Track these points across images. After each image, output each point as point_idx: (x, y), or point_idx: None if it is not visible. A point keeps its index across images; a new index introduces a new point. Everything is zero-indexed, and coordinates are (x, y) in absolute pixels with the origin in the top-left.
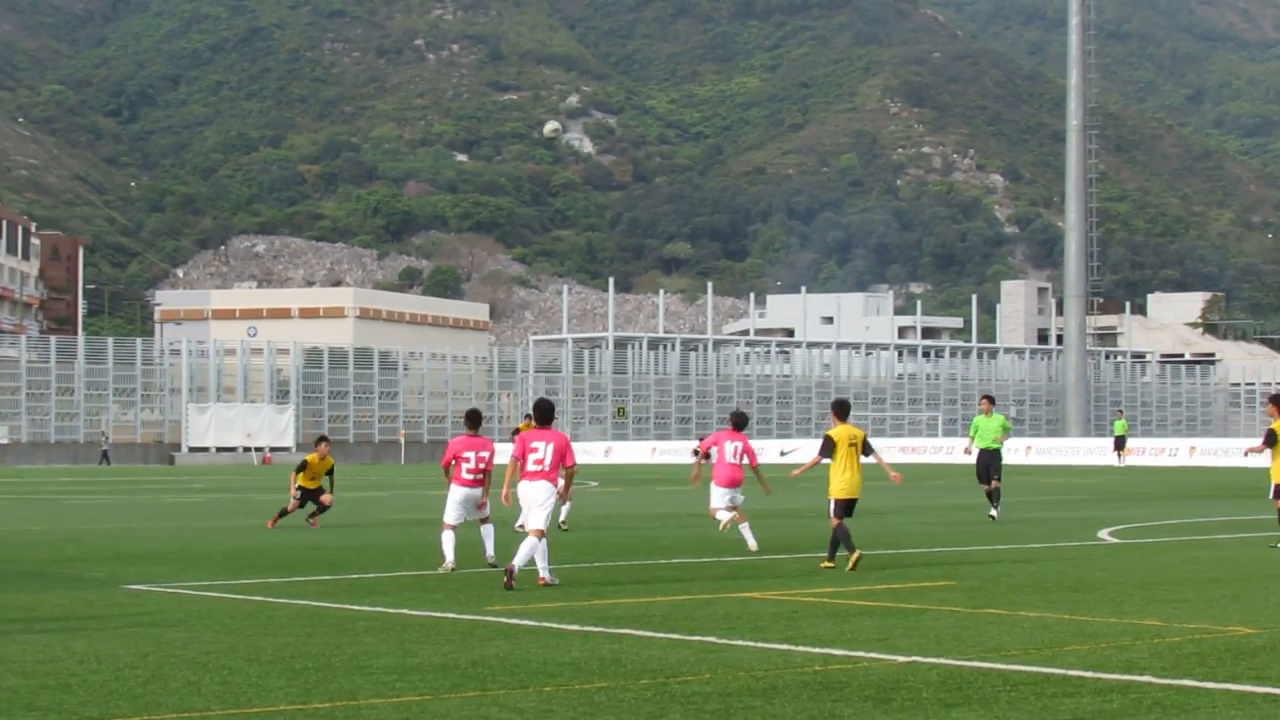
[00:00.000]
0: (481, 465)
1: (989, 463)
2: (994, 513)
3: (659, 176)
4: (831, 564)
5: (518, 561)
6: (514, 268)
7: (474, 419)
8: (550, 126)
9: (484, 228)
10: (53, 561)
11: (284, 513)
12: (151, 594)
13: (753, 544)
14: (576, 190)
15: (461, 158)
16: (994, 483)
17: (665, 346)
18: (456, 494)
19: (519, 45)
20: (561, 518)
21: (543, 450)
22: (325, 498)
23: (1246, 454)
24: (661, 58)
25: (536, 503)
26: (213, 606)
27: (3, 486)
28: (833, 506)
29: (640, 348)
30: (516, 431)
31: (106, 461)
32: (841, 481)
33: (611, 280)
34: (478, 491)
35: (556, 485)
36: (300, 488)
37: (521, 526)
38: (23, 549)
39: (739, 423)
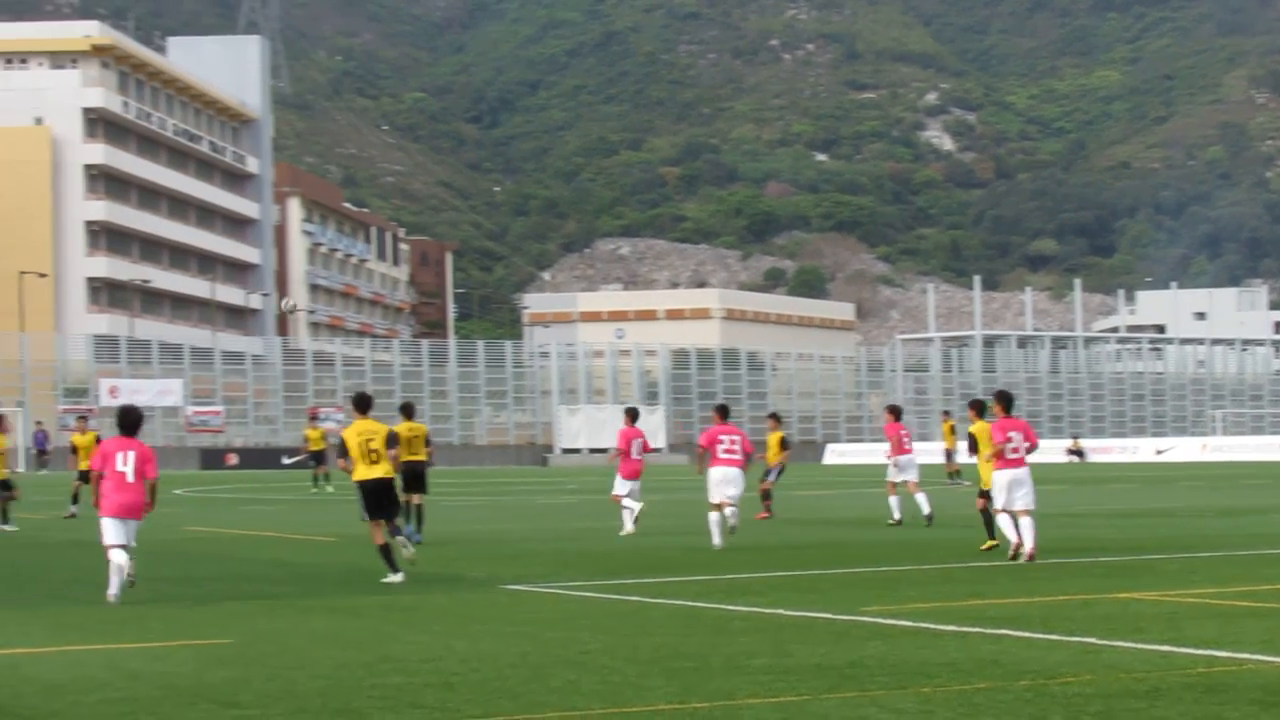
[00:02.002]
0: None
1: None
2: None
3: (1021, 173)
4: (995, 542)
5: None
6: (878, 267)
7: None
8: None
9: (846, 227)
10: (433, 562)
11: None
12: (530, 594)
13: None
14: (938, 188)
15: (821, 157)
16: None
17: (1034, 344)
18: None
19: (874, 43)
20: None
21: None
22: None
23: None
24: (1019, 53)
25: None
26: (590, 606)
27: None
28: (986, 495)
29: (1009, 346)
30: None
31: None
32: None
33: (977, 278)
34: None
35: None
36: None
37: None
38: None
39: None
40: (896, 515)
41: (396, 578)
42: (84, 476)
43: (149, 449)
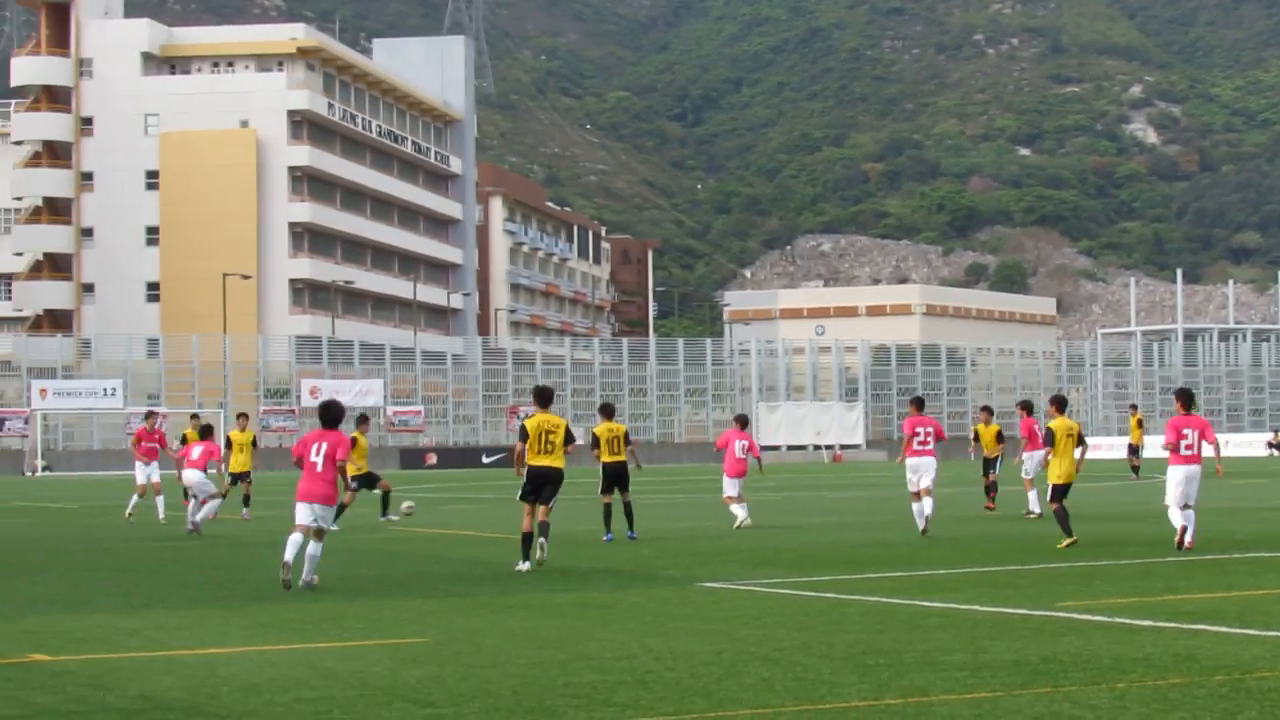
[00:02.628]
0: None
1: None
2: None
3: (1225, 165)
4: (1074, 539)
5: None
6: (1080, 261)
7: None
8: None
9: (1049, 221)
10: (629, 560)
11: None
12: (726, 591)
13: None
14: (1142, 181)
15: (1024, 152)
16: None
17: (1236, 338)
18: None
19: (1079, 37)
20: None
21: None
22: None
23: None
24: (1225, 44)
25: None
26: (785, 603)
27: (576, 488)
28: (1051, 491)
29: (1210, 339)
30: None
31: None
32: (1060, 469)
33: (1179, 271)
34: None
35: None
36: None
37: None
38: (601, 548)
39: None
40: (1035, 509)
41: (524, 566)
42: (235, 478)
43: (342, 437)
